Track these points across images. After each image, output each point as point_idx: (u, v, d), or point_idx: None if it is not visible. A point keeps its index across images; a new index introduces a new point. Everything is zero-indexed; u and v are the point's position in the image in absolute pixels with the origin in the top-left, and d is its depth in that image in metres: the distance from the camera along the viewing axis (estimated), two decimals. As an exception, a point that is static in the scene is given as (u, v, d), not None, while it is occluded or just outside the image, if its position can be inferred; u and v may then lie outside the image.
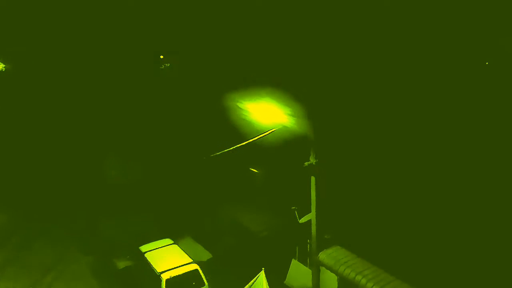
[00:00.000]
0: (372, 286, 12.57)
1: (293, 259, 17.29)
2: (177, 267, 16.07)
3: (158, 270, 15.95)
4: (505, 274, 14.14)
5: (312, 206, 14.49)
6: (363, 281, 12.84)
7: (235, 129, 17.20)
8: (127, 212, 22.37)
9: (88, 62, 33.78)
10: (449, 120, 19.39)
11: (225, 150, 12.89)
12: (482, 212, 16.07)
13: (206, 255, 19.13)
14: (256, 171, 22.39)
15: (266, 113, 13.04)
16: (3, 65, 30.15)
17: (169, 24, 34.19)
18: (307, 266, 16.63)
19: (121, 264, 18.76)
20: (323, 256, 14.47)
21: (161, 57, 40.50)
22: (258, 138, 13.06)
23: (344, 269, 13.56)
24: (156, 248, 17.42)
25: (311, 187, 14.23)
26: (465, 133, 18.68)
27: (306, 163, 13.79)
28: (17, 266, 18.48)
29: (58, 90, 32.38)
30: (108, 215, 22.17)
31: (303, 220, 15.51)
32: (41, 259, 19.01)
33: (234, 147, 12.87)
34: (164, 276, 15.58)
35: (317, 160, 13.81)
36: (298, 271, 17.14)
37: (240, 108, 13.30)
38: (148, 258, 16.83)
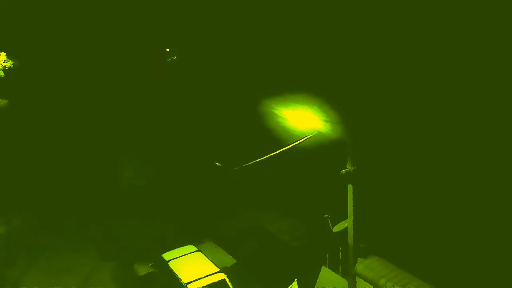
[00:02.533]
0: (419, 303, 11.85)
1: (323, 266, 16.62)
2: (204, 277, 15.40)
3: (184, 280, 15.27)
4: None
5: (349, 214, 13.73)
6: (407, 296, 12.12)
7: (269, 135, 16.47)
8: (145, 215, 21.74)
9: (99, 59, 33.05)
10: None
11: (260, 159, 12.16)
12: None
13: (230, 261, 18.43)
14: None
15: (302, 119, 12.28)
16: (12, 62, 29.37)
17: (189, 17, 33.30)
18: (338, 274, 15.98)
19: (142, 271, 18.13)
20: (360, 267, 13.74)
21: (167, 49, 39.61)
22: (294, 145, 12.30)
23: (386, 282, 12.82)
24: (180, 256, 16.74)
25: (348, 195, 13.46)
26: None
27: (343, 171, 13.01)
28: (37, 271, 17.96)
29: (69, 88, 31.70)
30: (126, 218, 21.55)
31: (337, 228, 14.81)
32: (61, 265, 18.49)
33: (269, 155, 12.13)
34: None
35: (354, 167, 13.03)
36: (328, 279, 16.45)
37: (276, 115, 12.53)
38: (172, 267, 16.16)
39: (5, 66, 29.09)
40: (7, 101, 31.59)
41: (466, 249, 15.06)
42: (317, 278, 16.70)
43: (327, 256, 16.43)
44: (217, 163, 21.55)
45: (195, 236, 19.32)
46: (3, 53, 29.36)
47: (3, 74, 29.04)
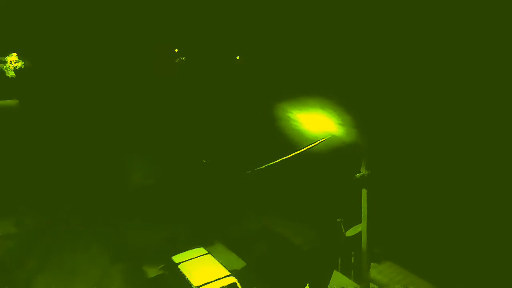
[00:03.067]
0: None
1: (334, 271, 16.41)
2: (214, 280, 15.25)
3: (195, 284, 15.14)
4: None
5: (363, 219, 13.54)
6: (424, 304, 11.89)
7: (283, 138, 16.32)
8: (155, 217, 21.68)
9: (109, 59, 33.11)
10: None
11: (273, 162, 12.01)
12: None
13: (240, 264, 18.27)
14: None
15: (316, 123, 12.11)
16: (22, 62, 29.49)
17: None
18: (351, 279, 15.77)
19: (152, 273, 18.04)
20: (374, 273, 13.52)
21: (176, 50, 39.54)
22: (308, 148, 12.14)
23: (400, 289, 12.59)
24: (190, 259, 16.61)
25: (362, 199, 13.28)
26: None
27: (357, 175, 12.82)
28: (48, 274, 17.92)
29: (79, 88, 31.78)
30: (136, 220, 21.50)
31: (350, 233, 14.62)
32: (71, 266, 18.42)
33: (282, 158, 11.98)
34: (201, 291, 14.80)
35: (369, 172, 12.83)
36: (340, 284, 16.24)
37: (290, 118, 12.39)
38: (182, 270, 16.03)
39: (16, 66, 29.22)
40: (17, 101, 31.72)
41: (483, 255, 14.77)
42: (328, 282, 16.53)
43: (339, 260, 16.24)
44: (223, 164, 21.40)
45: (205, 239, 19.20)
46: (15, 54, 29.50)
47: (14, 74, 29.18)
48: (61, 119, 30.84)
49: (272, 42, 28.70)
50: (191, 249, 17.33)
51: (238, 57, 35.96)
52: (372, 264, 14.23)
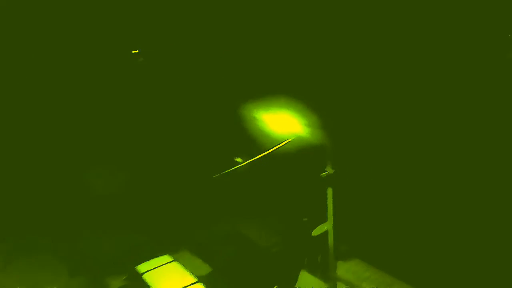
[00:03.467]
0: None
1: (302, 270, 16.49)
2: (181, 288, 14.94)
3: (161, 293, 14.77)
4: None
5: (328, 217, 13.64)
6: (391, 298, 12.15)
7: (249, 140, 16.23)
8: (118, 226, 20.92)
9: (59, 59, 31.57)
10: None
11: (241, 165, 11.90)
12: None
13: (207, 269, 18.00)
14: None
15: (282, 124, 12.12)
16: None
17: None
18: (318, 278, 15.89)
19: (115, 285, 17.41)
20: (341, 271, 13.69)
21: (135, 51, 38.46)
22: (274, 150, 12.12)
23: (367, 286, 12.81)
24: (155, 268, 16.18)
25: (328, 198, 13.39)
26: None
27: (323, 174, 12.93)
28: (-1, 292, 16.88)
29: (31, 90, 30.11)
30: (97, 230, 20.66)
31: (316, 232, 14.66)
32: (29, 284, 17.40)
33: (249, 161, 11.88)
34: (168, 300, 14.43)
35: (334, 170, 12.98)
36: (307, 283, 16.36)
37: (256, 119, 12.33)
38: (147, 280, 15.58)
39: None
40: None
41: (449, 250, 15.29)
42: (296, 283, 16.58)
43: (306, 260, 16.32)
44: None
45: (171, 246, 18.76)
46: None
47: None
48: (13, 122, 29.14)
49: (237, 41, 28.51)
50: (156, 257, 16.89)
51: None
52: (339, 262, 14.40)
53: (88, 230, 20.73)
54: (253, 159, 12.19)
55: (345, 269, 13.67)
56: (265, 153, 12.22)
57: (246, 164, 12.18)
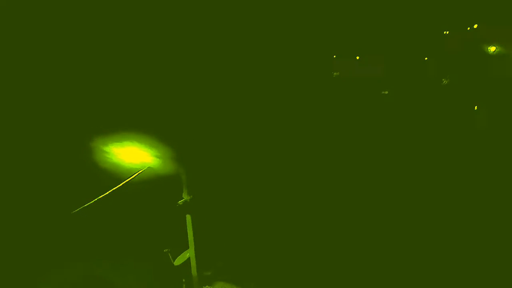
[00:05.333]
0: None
1: (168, 303, 15.99)
2: None
3: None
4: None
5: (189, 244, 13.61)
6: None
7: (99, 173, 15.08)
8: None
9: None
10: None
11: (92, 201, 11.10)
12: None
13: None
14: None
15: (131, 155, 11.74)
16: None
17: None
18: (185, 308, 15.57)
19: None
20: (207, 296, 13.68)
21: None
22: (124, 183, 11.65)
23: (233, 306, 13.04)
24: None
25: (187, 225, 13.37)
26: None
27: (179, 202, 12.90)
28: None
29: None
30: None
31: (178, 261, 14.44)
32: None
33: (100, 196, 11.17)
34: None
35: (191, 197, 13.05)
36: (175, 315, 15.91)
37: (104, 151, 11.68)
38: None
39: None
40: None
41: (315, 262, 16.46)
42: (163, 317, 15.96)
43: (171, 292, 15.88)
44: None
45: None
46: None
47: None
48: None
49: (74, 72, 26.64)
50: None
51: None
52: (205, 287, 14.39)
53: None
54: (107, 192, 11.50)
55: (211, 294, 13.71)
56: (118, 186, 11.65)
57: (101, 197, 11.41)
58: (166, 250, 14.60)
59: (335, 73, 40.59)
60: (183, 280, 15.53)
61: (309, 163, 23.48)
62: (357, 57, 46.94)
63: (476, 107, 30.67)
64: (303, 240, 17.42)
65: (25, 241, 19.53)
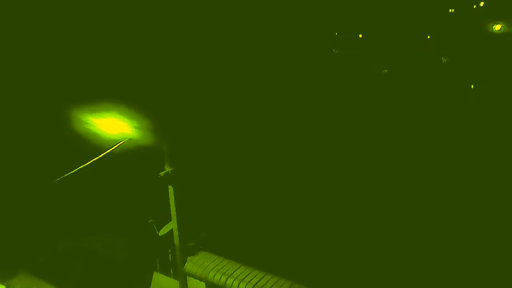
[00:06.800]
0: (245, 286, 12.63)
1: (154, 272, 16.35)
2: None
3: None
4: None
5: (172, 216, 13.81)
6: (235, 283, 12.81)
7: (79, 143, 15.28)
8: None
9: None
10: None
11: (73, 171, 11.25)
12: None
13: (51, 290, 16.59)
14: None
15: (111, 126, 11.83)
16: None
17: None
18: (170, 277, 15.95)
19: None
20: (189, 265, 13.96)
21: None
22: (105, 154, 11.76)
23: (214, 275, 13.31)
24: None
25: (170, 196, 13.54)
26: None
27: (161, 173, 13.03)
28: None
29: None
30: None
31: (162, 232, 14.69)
32: None
33: (81, 166, 11.32)
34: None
35: (172, 168, 13.17)
36: (161, 284, 16.30)
37: (84, 122, 11.79)
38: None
39: None
40: None
41: (282, 230, 16.72)
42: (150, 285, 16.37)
43: (157, 261, 16.24)
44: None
45: (4, 269, 16.73)
46: None
47: None
48: None
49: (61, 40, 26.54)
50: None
51: None
52: (188, 258, 14.65)
53: None
54: (88, 163, 11.64)
55: (193, 263, 13.95)
56: (99, 156, 11.78)
57: (81, 168, 11.56)
58: (151, 220, 14.86)
59: (334, 51, 40.24)
60: (169, 250, 15.88)
61: (292, 139, 23.43)
62: (360, 35, 46.33)
63: (472, 86, 30.34)
64: (283, 211, 17.63)
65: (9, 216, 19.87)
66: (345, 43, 42.73)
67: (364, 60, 38.54)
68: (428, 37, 41.81)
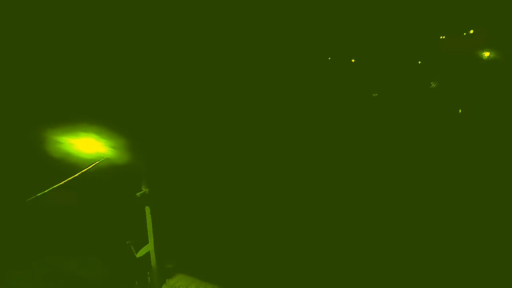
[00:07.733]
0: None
1: (133, 296, 16.10)
2: None
3: None
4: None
5: (149, 237, 13.72)
6: (210, 305, 12.64)
7: (54, 164, 15.26)
8: None
9: None
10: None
11: (46, 190, 11.22)
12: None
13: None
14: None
15: (88, 146, 11.87)
16: None
17: None
18: (149, 300, 15.69)
19: None
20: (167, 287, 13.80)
21: None
22: (80, 173, 11.77)
23: (190, 297, 13.15)
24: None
25: (147, 217, 13.48)
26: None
27: (138, 193, 13.00)
28: None
29: None
30: None
31: (140, 253, 14.55)
32: None
33: (55, 185, 11.30)
34: None
35: (149, 189, 13.15)
36: (140, 307, 16.02)
37: (59, 142, 11.83)
38: None
39: None
40: None
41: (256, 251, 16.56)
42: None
43: (136, 283, 15.99)
44: None
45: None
46: None
47: None
48: None
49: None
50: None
51: None
52: (166, 280, 14.48)
53: None
54: (62, 182, 11.63)
55: (170, 286, 13.80)
56: (74, 176, 11.77)
57: (56, 187, 11.53)
58: (129, 242, 14.72)
59: (327, 75, 40.82)
60: (148, 272, 15.68)
61: (272, 149, 23.42)
62: (352, 60, 47.04)
63: (460, 111, 30.69)
64: (261, 234, 17.49)
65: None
66: (338, 67, 43.38)
67: (356, 83, 39.02)
68: (419, 62, 42.49)
